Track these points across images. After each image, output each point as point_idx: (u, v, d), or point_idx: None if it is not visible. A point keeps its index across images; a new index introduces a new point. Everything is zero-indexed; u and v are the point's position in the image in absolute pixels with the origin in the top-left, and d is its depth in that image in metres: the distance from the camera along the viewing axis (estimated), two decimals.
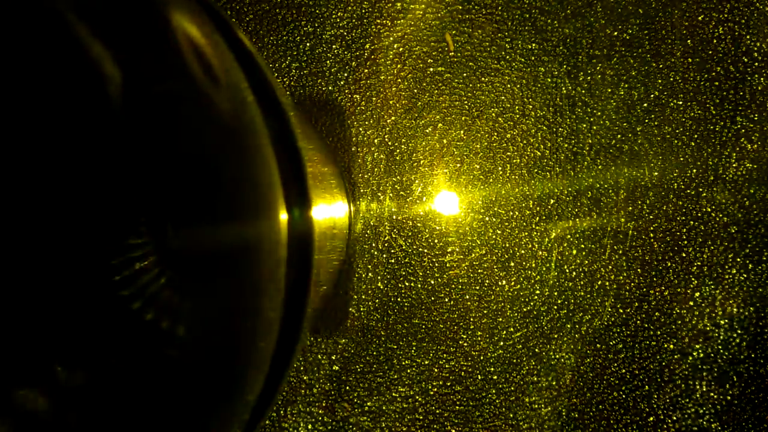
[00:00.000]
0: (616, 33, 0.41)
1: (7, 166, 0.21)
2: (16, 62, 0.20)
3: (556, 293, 0.41)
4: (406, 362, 0.41)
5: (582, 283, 0.41)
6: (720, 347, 0.41)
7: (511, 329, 0.41)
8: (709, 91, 0.41)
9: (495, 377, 0.41)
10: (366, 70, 0.42)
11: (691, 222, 0.41)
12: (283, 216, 0.19)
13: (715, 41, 0.41)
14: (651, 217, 0.41)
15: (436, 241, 0.42)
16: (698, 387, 0.41)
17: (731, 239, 0.41)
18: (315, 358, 0.41)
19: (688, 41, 0.41)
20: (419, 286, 0.41)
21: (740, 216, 0.41)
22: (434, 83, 0.42)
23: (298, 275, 0.20)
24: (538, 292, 0.41)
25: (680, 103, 0.41)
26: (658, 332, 0.41)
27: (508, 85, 0.41)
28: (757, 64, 0.41)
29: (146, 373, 0.22)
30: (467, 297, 0.41)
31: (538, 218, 0.41)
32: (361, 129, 0.42)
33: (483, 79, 0.41)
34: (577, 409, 0.41)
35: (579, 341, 0.41)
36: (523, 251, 0.41)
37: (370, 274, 0.41)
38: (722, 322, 0.41)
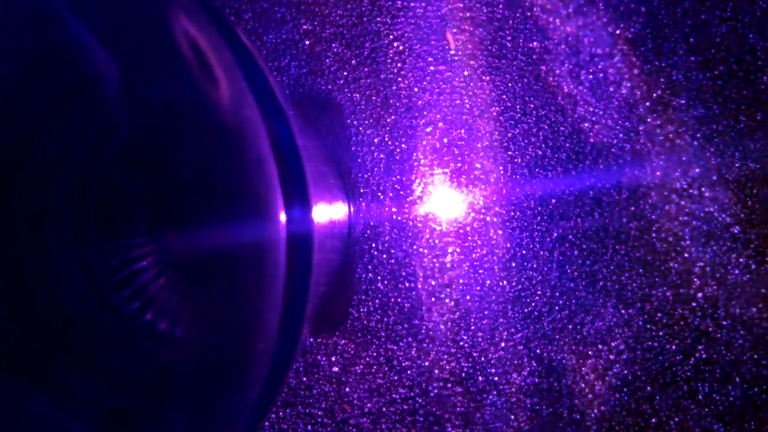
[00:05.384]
0: (618, 31, 0.41)
1: (8, 165, 0.21)
2: (18, 62, 0.20)
3: (557, 294, 0.41)
4: (407, 363, 0.41)
5: (584, 283, 0.41)
6: (723, 348, 0.41)
7: (513, 330, 0.41)
8: (712, 90, 0.41)
9: (496, 378, 0.41)
10: (366, 69, 0.41)
11: (694, 222, 0.41)
12: (283, 216, 0.19)
13: (718, 40, 0.41)
14: (653, 216, 0.41)
15: (436, 241, 0.41)
16: (701, 388, 0.41)
17: (734, 239, 0.41)
18: (315, 359, 0.41)
19: (691, 40, 0.41)
20: (419, 286, 0.41)
21: (743, 216, 0.41)
22: (435, 82, 0.41)
23: (298, 275, 0.20)
24: (539, 292, 0.41)
25: (683, 102, 0.41)
26: (661, 333, 0.41)
27: (510, 84, 0.41)
28: (760, 62, 0.41)
29: (145, 374, 0.22)
30: (468, 298, 0.41)
31: (539, 218, 0.41)
32: (361, 129, 0.41)
33: (484, 77, 0.41)
34: (579, 411, 0.41)
35: (581, 342, 0.41)
36: (524, 251, 0.41)
37: (370, 275, 0.41)
38: (725, 323, 0.41)
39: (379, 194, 0.41)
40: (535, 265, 0.41)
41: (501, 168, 0.41)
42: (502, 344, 0.41)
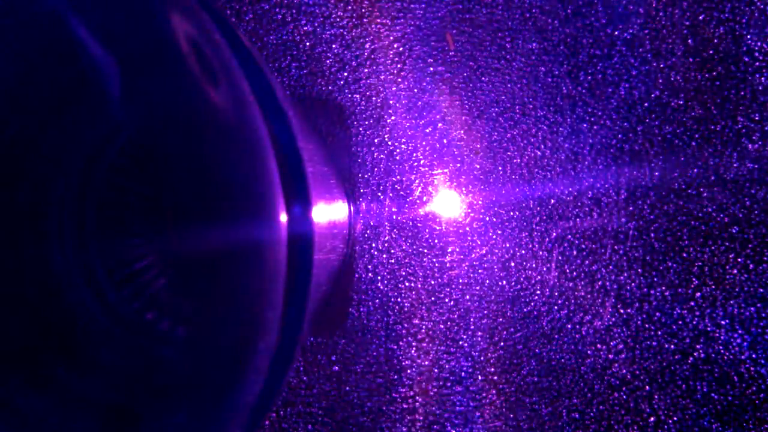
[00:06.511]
0: (616, 32, 0.41)
1: (7, 165, 0.21)
2: (17, 62, 0.20)
3: (556, 293, 0.41)
4: (406, 363, 0.41)
5: (583, 283, 0.41)
6: (721, 348, 0.41)
7: (512, 330, 0.41)
8: (710, 91, 0.41)
9: (495, 378, 0.41)
10: (366, 70, 0.41)
11: (692, 222, 0.41)
12: (283, 216, 0.19)
13: (716, 41, 0.41)
14: (652, 217, 0.41)
15: (436, 241, 0.41)
16: (699, 388, 0.41)
17: (732, 239, 0.41)
18: (315, 358, 0.41)
19: (689, 41, 0.41)
20: (419, 286, 0.41)
21: (741, 216, 0.41)
22: (434, 83, 0.41)
23: (298, 275, 0.20)
24: (538, 292, 0.41)
25: (681, 102, 0.41)
26: (659, 332, 0.41)
27: (509, 85, 0.41)
28: (758, 63, 0.41)
29: (145, 374, 0.22)
30: (467, 297, 0.41)
31: (538, 218, 0.41)
32: (361, 129, 0.41)
33: (483, 78, 0.41)
34: (578, 410, 0.41)
35: (579, 342, 0.41)
36: (523, 251, 0.41)
37: (370, 275, 0.41)
38: (723, 322, 0.41)
39: (379, 194, 0.41)
40: (534, 265, 0.41)
41: (500, 168, 0.41)
42: (502, 343, 0.41)
